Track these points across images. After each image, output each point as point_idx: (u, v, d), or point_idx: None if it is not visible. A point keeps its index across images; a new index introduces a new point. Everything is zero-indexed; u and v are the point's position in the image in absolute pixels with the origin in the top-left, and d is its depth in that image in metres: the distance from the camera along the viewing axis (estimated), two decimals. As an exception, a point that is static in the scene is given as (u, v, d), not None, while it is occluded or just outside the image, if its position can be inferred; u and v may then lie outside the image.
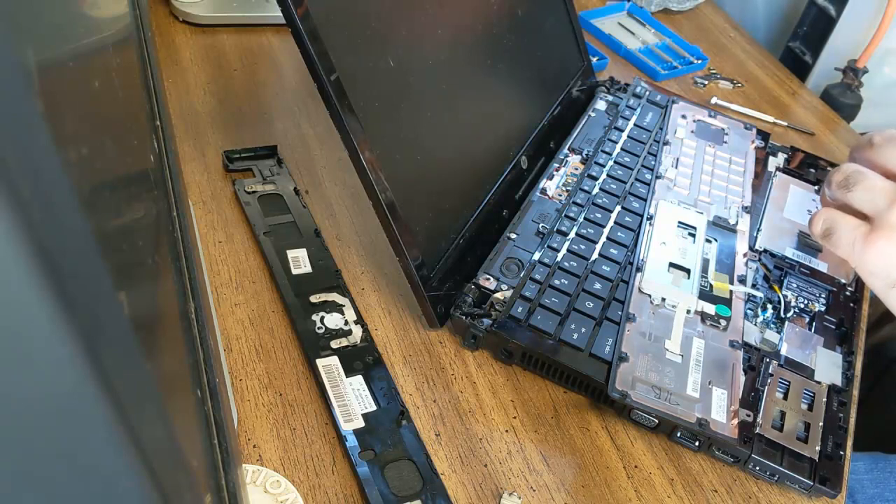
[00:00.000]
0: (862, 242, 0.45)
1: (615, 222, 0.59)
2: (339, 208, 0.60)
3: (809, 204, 0.66)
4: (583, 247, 0.56)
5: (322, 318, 0.51)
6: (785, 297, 0.56)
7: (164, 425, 0.18)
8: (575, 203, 0.59)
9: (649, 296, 0.53)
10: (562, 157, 0.64)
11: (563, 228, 0.57)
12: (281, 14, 0.42)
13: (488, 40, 0.59)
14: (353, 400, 0.46)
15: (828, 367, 0.52)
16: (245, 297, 0.52)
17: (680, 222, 0.60)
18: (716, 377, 0.48)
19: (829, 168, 0.70)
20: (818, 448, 0.47)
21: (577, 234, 0.57)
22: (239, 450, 0.43)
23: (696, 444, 0.47)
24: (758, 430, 0.47)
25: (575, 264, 0.54)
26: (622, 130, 0.68)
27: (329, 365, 0.48)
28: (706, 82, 0.83)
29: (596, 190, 0.61)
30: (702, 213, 0.61)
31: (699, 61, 0.85)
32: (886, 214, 0.44)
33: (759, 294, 0.55)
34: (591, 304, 0.52)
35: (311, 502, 0.42)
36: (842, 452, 0.47)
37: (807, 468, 0.46)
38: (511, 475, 0.45)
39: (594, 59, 0.80)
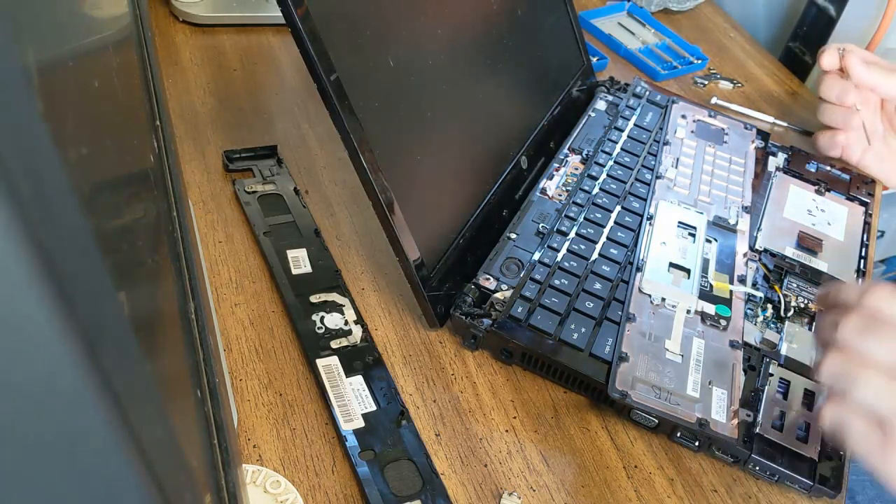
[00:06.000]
0: (881, 453, 0.40)
1: (615, 222, 0.59)
2: (339, 208, 0.60)
3: (809, 204, 0.66)
4: (583, 247, 0.56)
5: (322, 318, 0.51)
6: (785, 296, 0.56)
7: (164, 425, 0.18)
8: (575, 203, 0.59)
9: (649, 296, 0.53)
10: (562, 157, 0.64)
11: (563, 228, 0.57)
12: (281, 14, 0.42)
13: (488, 40, 0.59)
14: (353, 400, 0.46)
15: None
16: (245, 297, 0.52)
17: (680, 222, 0.60)
18: (716, 377, 0.48)
19: (828, 168, 0.70)
20: (818, 448, 0.47)
21: (577, 234, 0.57)
22: (239, 450, 0.43)
23: (696, 444, 0.47)
24: (758, 430, 0.47)
25: (575, 264, 0.54)
26: (622, 130, 0.68)
27: (329, 365, 0.48)
28: (706, 82, 0.83)
29: (596, 190, 0.61)
30: (702, 213, 0.61)
31: (699, 61, 0.85)
32: None
33: (759, 294, 0.55)
34: (591, 304, 0.52)
35: (311, 502, 0.42)
36: (842, 452, 0.47)
37: (807, 468, 0.46)
38: (511, 475, 0.45)
39: (594, 59, 0.80)
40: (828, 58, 0.67)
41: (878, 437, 0.40)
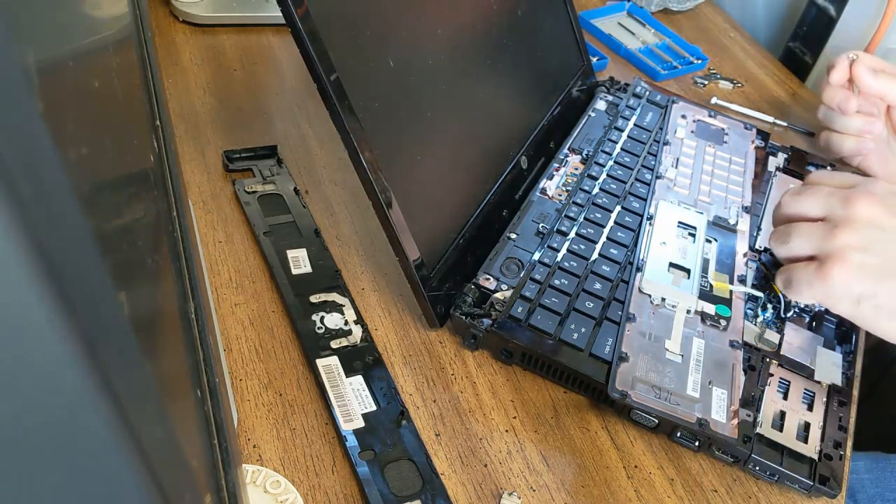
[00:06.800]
0: (818, 275, 0.47)
1: (615, 222, 0.59)
2: (339, 208, 0.60)
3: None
4: (583, 247, 0.56)
5: (322, 318, 0.51)
6: (785, 296, 0.56)
7: (164, 425, 0.18)
8: (575, 203, 0.59)
9: (649, 296, 0.53)
10: (562, 157, 0.64)
11: (563, 228, 0.57)
12: (281, 14, 0.42)
13: (488, 40, 0.59)
14: (353, 400, 0.46)
15: (828, 367, 0.52)
16: (245, 297, 0.52)
17: (680, 222, 0.60)
18: (716, 377, 0.48)
19: (828, 167, 0.70)
20: (818, 448, 0.47)
21: (577, 234, 0.57)
22: (239, 450, 0.43)
23: (696, 444, 0.47)
24: (758, 430, 0.47)
25: (575, 264, 0.54)
26: (622, 130, 0.68)
27: (329, 365, 0.48)
28: (706, 82, 0.83)
29: (596, 190, 0.61)
30: (702, 213, 0.61)
31: (699, 61, 0.85)
32: (827, 246, 0.47)
33: (759, 294, 0.55)
34: (591, 304, 0.52)
35: (311, 502, 0.42)
36: (842, 452, 0.47)
37: (807, 468, 0.46)
38: (511, 475, 0.45)
39: (594, 59, 0.80)
40: (837, 73, 0.66)
41: (815, 267, 0.48)
